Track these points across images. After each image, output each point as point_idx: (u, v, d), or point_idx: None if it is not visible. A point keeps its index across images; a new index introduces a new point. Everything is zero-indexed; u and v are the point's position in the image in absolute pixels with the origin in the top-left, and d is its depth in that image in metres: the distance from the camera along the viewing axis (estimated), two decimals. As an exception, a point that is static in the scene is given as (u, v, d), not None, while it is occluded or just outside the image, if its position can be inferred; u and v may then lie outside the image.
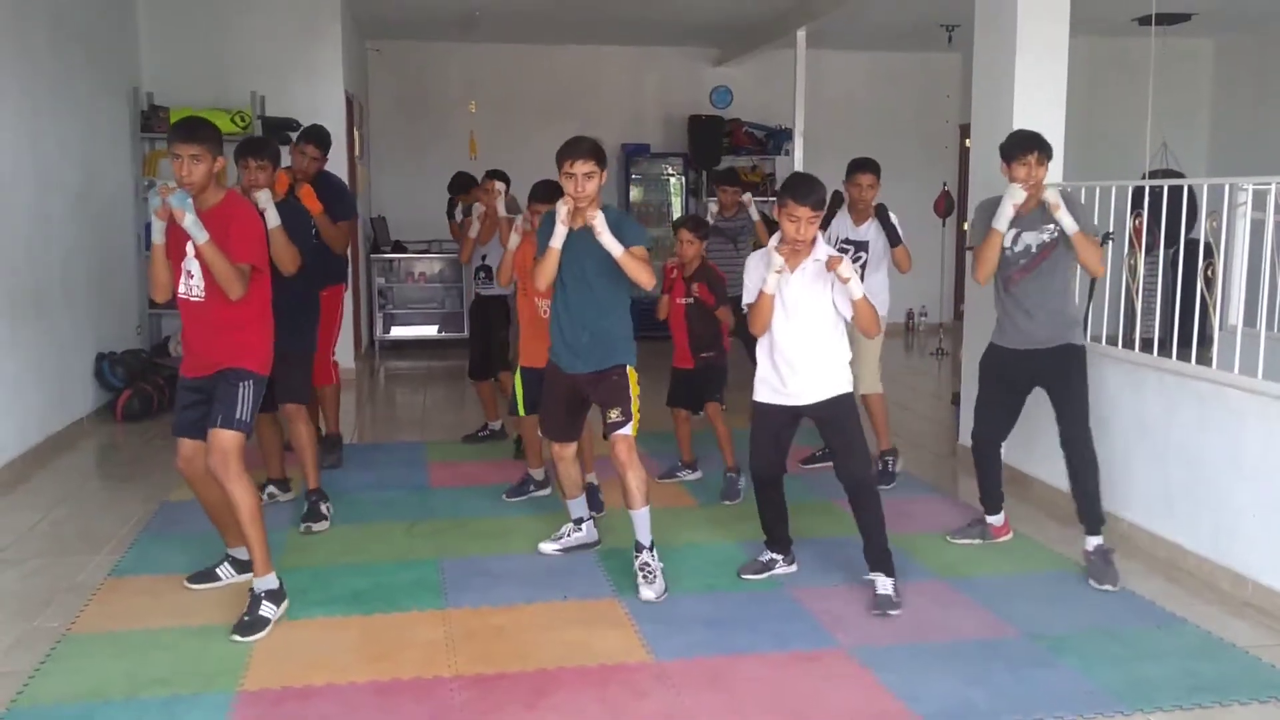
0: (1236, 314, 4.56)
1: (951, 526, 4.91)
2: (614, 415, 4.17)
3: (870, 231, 5.56)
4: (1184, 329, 4.54)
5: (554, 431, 4.43)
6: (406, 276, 10.83)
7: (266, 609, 3.79)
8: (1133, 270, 5.05)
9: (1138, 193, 5.18)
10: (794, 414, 4.18)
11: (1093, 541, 4.37)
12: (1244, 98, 11.02)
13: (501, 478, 5.73)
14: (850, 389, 4.13)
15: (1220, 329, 4.54)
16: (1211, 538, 4.31)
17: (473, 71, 11.34)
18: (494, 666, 3.54)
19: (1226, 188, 4.52)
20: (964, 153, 10.72)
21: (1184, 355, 4.52)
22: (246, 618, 3.74)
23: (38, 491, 5.60)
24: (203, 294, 3.82)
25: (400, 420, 7.71)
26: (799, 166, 8.95)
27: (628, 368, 4.21)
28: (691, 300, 5.44)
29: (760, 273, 4.08)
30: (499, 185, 5.90)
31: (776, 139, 11.52)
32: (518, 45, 11.28)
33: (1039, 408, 4.61)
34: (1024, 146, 4.31)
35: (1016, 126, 5.47)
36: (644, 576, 4.10)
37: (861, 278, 4.60)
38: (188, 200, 3.65)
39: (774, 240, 4.06)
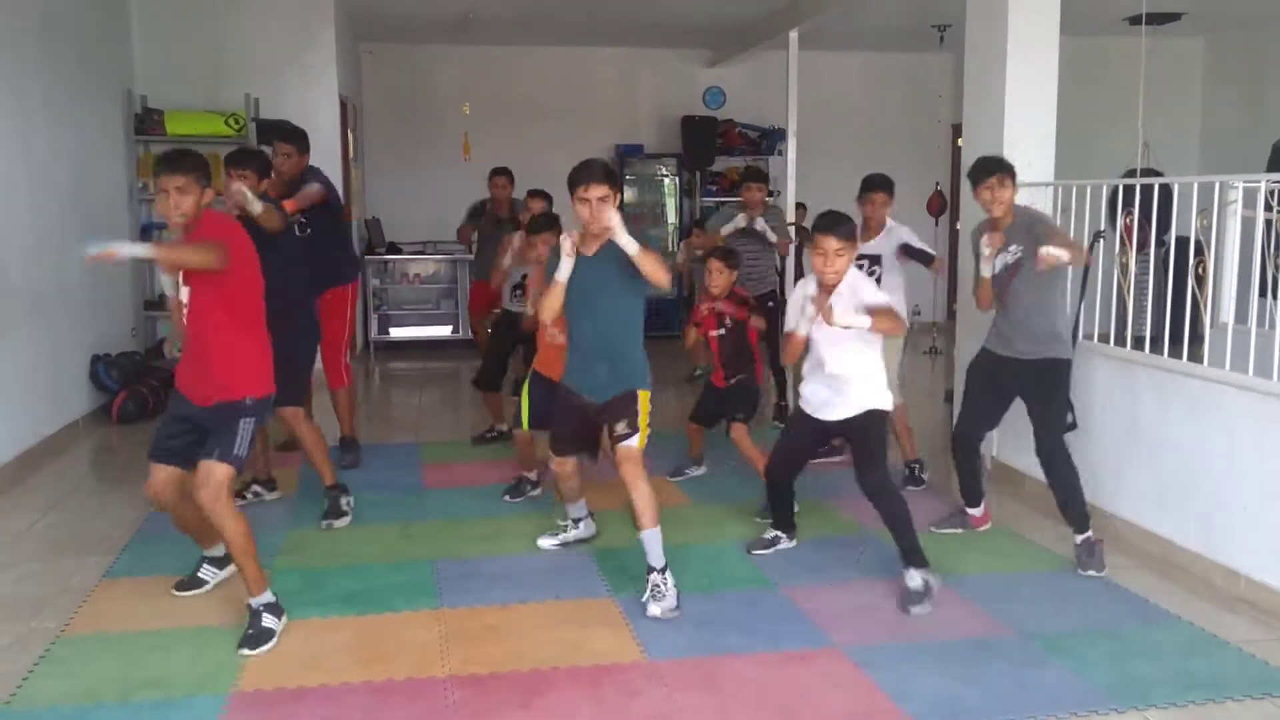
0: (1227, 311, 4.57)
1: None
2: (621, 427, 4.07)
3: (882, 245, 5.52)
4: (1175, 326, 4.56)
5: (564, 445, 4.36)
6: (401, 278, 10.83)
7: (269, 620, 3.74)
8: (1124, 268, 5.06)
9: (1129, 191, 5.19)
10: (824, 429, 4.27)
11: (1079, 537, 4.44)
12: (1234, 96, 11.04)
13: (496, 478, 5.72)
14: (879, 405, 4.17)
15: (1211, 326, 4.56)
16: (1204, 534, 4.32)
17: (466, 73, 11.35)
18: (488, 667, 3.54)
19: (1217, 186, 4.53)
20: (956, 152, 10.73)
21: (1175, 353, 4.54)
22: (251, 631, 3.69)
23: (32, 494, 5.60)
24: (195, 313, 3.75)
25: (395, 421, 7.70)
26: (792, 167, 8.95)
27: (639, 390, 4.12)
28: (723, 331, 5.33)
29: (799, 303, 4.16)
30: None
31: (769, 139, 11.54)
32: (511, 47, 11.29)
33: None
34: (984, 170, 4.43)
35: (1008, 126, 5.52)
36: (653, 594, 3.94)
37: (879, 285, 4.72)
38: (102, 244, 3.46)
39: (810, 287, 4.12)
